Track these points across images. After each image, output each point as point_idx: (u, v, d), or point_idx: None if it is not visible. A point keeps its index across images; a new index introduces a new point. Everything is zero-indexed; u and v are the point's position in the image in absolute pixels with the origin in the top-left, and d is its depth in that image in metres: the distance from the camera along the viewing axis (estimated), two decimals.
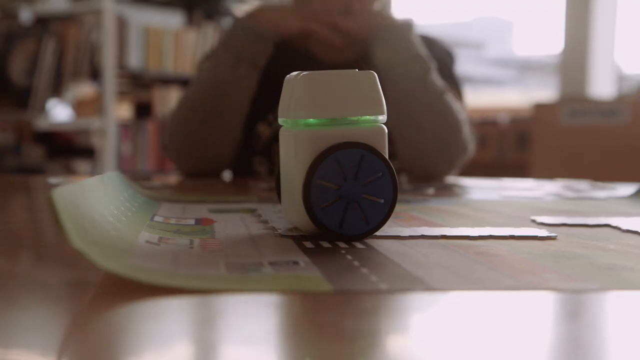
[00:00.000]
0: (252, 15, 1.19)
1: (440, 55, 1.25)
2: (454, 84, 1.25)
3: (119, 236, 0.41)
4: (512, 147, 3.90)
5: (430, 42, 1.25)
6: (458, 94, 1.25)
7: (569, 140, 3.25)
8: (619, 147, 3.13)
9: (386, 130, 0.49)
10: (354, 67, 1.16)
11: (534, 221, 0.61)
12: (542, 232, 0.53)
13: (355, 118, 0.49)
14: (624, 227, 0.56)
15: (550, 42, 3.88)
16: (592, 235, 0.53)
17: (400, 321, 0.30)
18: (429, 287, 0.34)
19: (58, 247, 0.48)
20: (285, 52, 1.20)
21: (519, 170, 3.58)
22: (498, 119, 4.11)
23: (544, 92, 4.81)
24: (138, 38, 3.52)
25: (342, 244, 0.47)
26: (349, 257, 0.42)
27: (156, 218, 0.56)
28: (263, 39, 1.15)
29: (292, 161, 0.49)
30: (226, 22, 4.13)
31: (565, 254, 0.45)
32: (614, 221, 0.60)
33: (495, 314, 0.31)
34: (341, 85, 0.49)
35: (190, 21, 3.99)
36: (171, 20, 4.02)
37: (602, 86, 3.97)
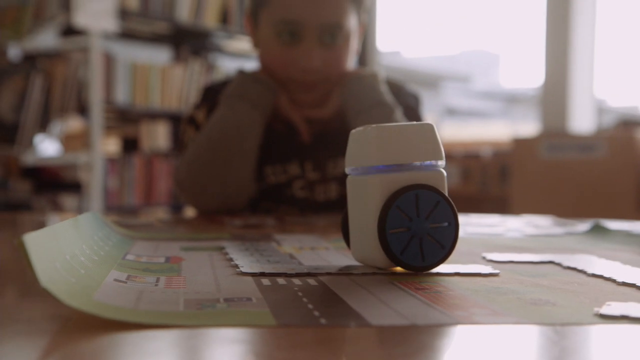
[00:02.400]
0: (258, 72, 1.29)
1: (406, 99, 1.33)
2: None
3: (87, 275, 0.45)
4: (495, 180, 3.96)
5: (396, 87, 1.34)
6: None
7: (548, 174, 3.31)
8: (596, 181, 3.19)
9: (445, 174, 0.56)
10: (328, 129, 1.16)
11: (484, 258, 0.65)
12: (487, 269, 0.57)
13: (418, 163, 0.56)
14: (565, 264, 0.61)
15: (536, 75, 3.98)
16: (532, 271, 0.57)
17: (328, 353, 0.34)
18: (363, 322, 0.38)
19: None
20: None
21: (501, 203, 3.62)
22: (481, 152, 4.16)
23: (530, 124, 4.86)
24: (125, 74, 3.57)
25: (296, 281, 0.51)
26: (300, 293, 0.46)
27: (128, 257, 0.60)
28: (271, 92, 1.25)
29: (365, 203, 0.56)
30: (213, 58, 4.19)
31: (499, 290, 0.49)
32: (558, 258, 0.64)
33: (419, 346, 0.35)
34: (405, 135, 0.56)
35: (177, 57, 4.05)
36: (158, 56, 4.07)
37: (581, 120, 4.04)
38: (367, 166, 0.56)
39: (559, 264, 0.61)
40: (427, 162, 0.56)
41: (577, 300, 0.46)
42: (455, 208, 0.55)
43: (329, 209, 1.27)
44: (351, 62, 1.29)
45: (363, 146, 0.57)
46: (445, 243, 0.55)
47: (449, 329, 0.38)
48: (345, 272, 0.55)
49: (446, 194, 0.55)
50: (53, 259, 0.41)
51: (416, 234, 0.54)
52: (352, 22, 1.25)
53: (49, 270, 0.39)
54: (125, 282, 0.48)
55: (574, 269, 0.59)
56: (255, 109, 1.24)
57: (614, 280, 0.53)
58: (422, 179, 0.55)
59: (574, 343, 0.36)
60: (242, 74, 1.29)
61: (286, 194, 1.29)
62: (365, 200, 0.56)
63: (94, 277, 0.46)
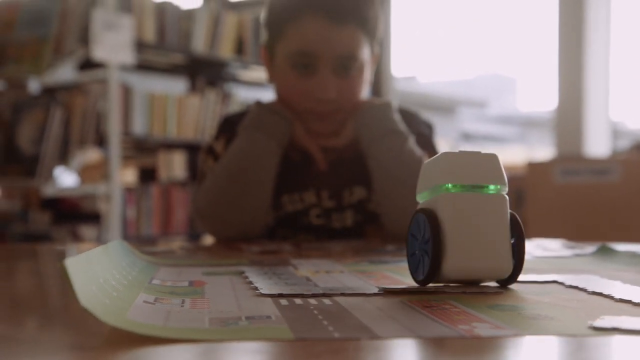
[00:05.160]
0: (274, 103, 1.33)
1: (419, 127, 1.36)
2: (434, 152, 1.35)
3: (119, 297, 0.49)
4: (510, 204, 3.96)
5: (410, 115, 1.37)
6: None
7: (563, 198, 3.32)
8: (611, 205, 3.20)
9: (507, 198, 0.63)
10: (343, 159, 1.23)
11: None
12: (492, 288, 0.60)
13: (485, 185, 0.63)
14: (568, 283, 0.64)
15: (552, 98, 3.99)
16: (536, 290, 0.61)
17: None
18: (373, 335, 0.42)
19: (63, 313, 0.55)
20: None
21: None
22: None
23: (547, 148, 4.86)
24: (142, 104, 3.62)
25: (312, 301, 0.54)
26: (316, 311, 0.50)
27: (154, 281, 0.64)
28: (287, 122, 1.29)
29: (493, 217, 0.62)
30: (228, 87, 4.25)
31: (502, 306, 0.52)
32: (561, 278, 0.67)
33: (423, 356, 0.38)
34: (474, 161, 0.63)
35: (193, 87, 4.11)
36: (175, 87, 4.14)
37: (597, 144, 4.05)
38: (493, 185, 0.63)
39: (562, 283, 0.65)
40: (491, 186, 0.63)
41: (574, 315, 0.49)
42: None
43: (345, 236, 1.31)
44: (364, 92, 1.33)
45: (485, 168, 0.63)
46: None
47: (451, 341, 0.41)
48: (358, 292, 0.58)
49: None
50: (89, 282, 0.45)
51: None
52: (366, 53, 1.29)
53: (86, 292, 0.42)
54: (154, 304, 0.52)
55: (576, 287, 0.62)
56: (272, 139, 1.27)
57: (612, 297, 0.56)
58: (490, 199, 0.63)
59: (566, 352, 0.39)
60: (258, 104, 1.32)
61: (303, 221, 1.32)
62: (493, 215, 0.62)
63: (125, 299, 0.50)
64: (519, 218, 0.63)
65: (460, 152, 0.63)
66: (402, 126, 1.29)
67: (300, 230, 1.33)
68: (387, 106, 1.31)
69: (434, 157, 0.65)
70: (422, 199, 0.66)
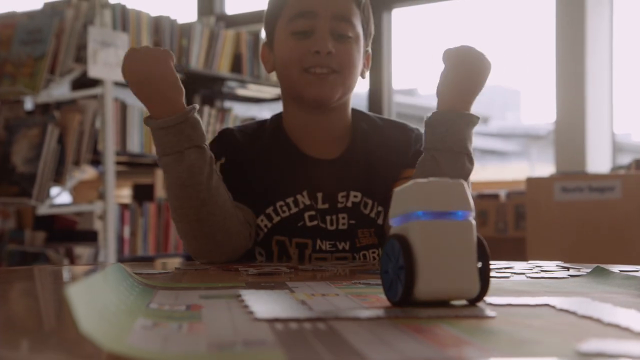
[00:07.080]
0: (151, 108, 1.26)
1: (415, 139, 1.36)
2: None
3: (118, 323, 0.50)
4: (511, 221, 3.95)
5: (405, 128, 1.38)
6: None
7: (563, 215, 3.29)
8: (612, 222, 3.17)
9: (474, 223, 0.67)
10: (339, 163, 1.30)
11: (484, 301, 0.69)
12: (483, 312, 0.61)
13: (453, 212, 0.66)
14: (559, 307, 0.65)
15: (553, 112, 3.93)
16: (528, 314, 0.62)
17: None
18: (364, 358, 0.43)
19: (58, 336, 0.56)
20: (279, 150, 1.34)
21: (518, 245, 3.61)
22: (498, 193, 4.14)
23: (550, 163, 4.78)
24: (139, 121, 3.62)
25: (307, 325, 0.55)
26: (310, 336, 0.51)
27: (151, 305, 0.65)
28: (171, 130, 1.22)
29: (461, 242, 0.66)
30: (226, 104, 4.26)
31: (492, 330, 0.53)
32: (553, 301, 0.68)
33: None
34: (441, 189, 0.67)
35: (190, 104, 4.11)
36: None
37: (598, 159, 4.00)
38: (460, 211, 0.66)
39: (553, 307, 0.66)
40: (458, 212, 0.67)
41: (562, 339, 0.50)
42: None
43: (339, 239, 1.31)
44: (358, 74, 1.35)
45: (453, 196, 0.67)
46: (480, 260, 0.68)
47: None
48: (352, 316, 0.59)
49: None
50: (90, 309, 0.46)
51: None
52: (359, 27, 1.33)
53: (87, 319, 0.44)
54: (152, 329, 0.53)
55: (567, 311, 0.63)
56: (180, 154, 1.21)
57: (601, 321, 0.57)
58: (458, 225, 0.67)
59: None
60: (147, 122, 1.25)
61: (297, 224, 1.32)
62: (461, 240, 0.66)
63: (123, 324, 0.51)
64: (484, 242, 0.67)
65: (430, 180, 0.67)
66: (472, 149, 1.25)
67: (294, 234, 1.32)
68: (474, 121, 1.25)
69: (406, 184, 0.68)
70: (395, 223, 0.69)
